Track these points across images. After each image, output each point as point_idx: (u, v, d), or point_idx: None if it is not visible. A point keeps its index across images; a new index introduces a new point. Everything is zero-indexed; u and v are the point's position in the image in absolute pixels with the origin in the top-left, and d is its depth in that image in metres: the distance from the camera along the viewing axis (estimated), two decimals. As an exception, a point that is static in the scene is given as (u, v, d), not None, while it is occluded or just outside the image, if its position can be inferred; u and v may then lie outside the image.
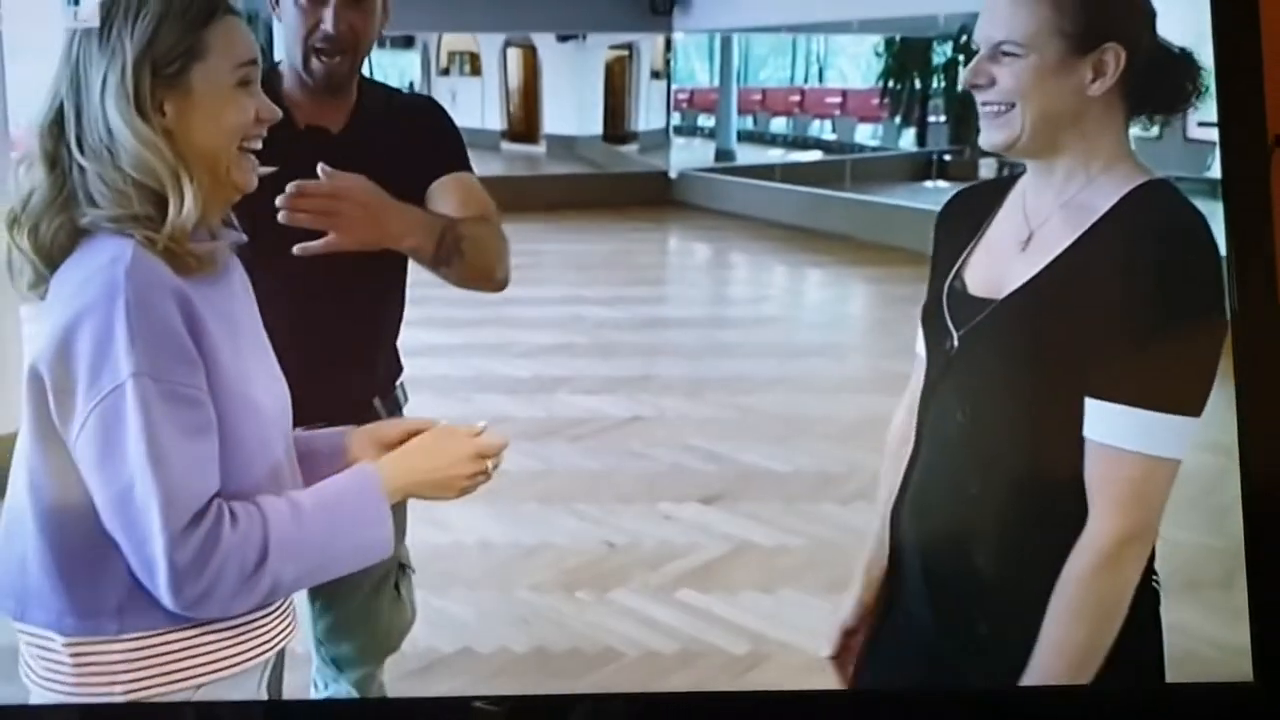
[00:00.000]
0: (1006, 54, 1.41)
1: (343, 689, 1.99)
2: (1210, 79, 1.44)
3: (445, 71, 9.23)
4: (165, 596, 1.23)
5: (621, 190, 6.64)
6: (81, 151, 1.20)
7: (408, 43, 9.57)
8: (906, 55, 7.06)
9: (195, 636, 1.30)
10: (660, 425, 3.78)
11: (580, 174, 7.01)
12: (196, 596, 1.22)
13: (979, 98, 1.44)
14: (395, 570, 1.97)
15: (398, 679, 2.24)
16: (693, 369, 4.32)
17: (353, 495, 1.31)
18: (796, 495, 3.34)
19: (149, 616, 1.26)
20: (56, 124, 1.23)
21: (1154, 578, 1.47)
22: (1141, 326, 1.34)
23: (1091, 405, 1.39)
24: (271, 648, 1.38)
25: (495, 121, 8.23)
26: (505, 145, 8.35)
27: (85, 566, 1.24)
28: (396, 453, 1.41)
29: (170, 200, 1.20)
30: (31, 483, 1.25)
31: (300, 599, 1.94)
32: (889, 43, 7.15)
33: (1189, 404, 1.36)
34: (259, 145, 1.31)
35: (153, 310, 1.17)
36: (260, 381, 1.30)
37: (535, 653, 2.66)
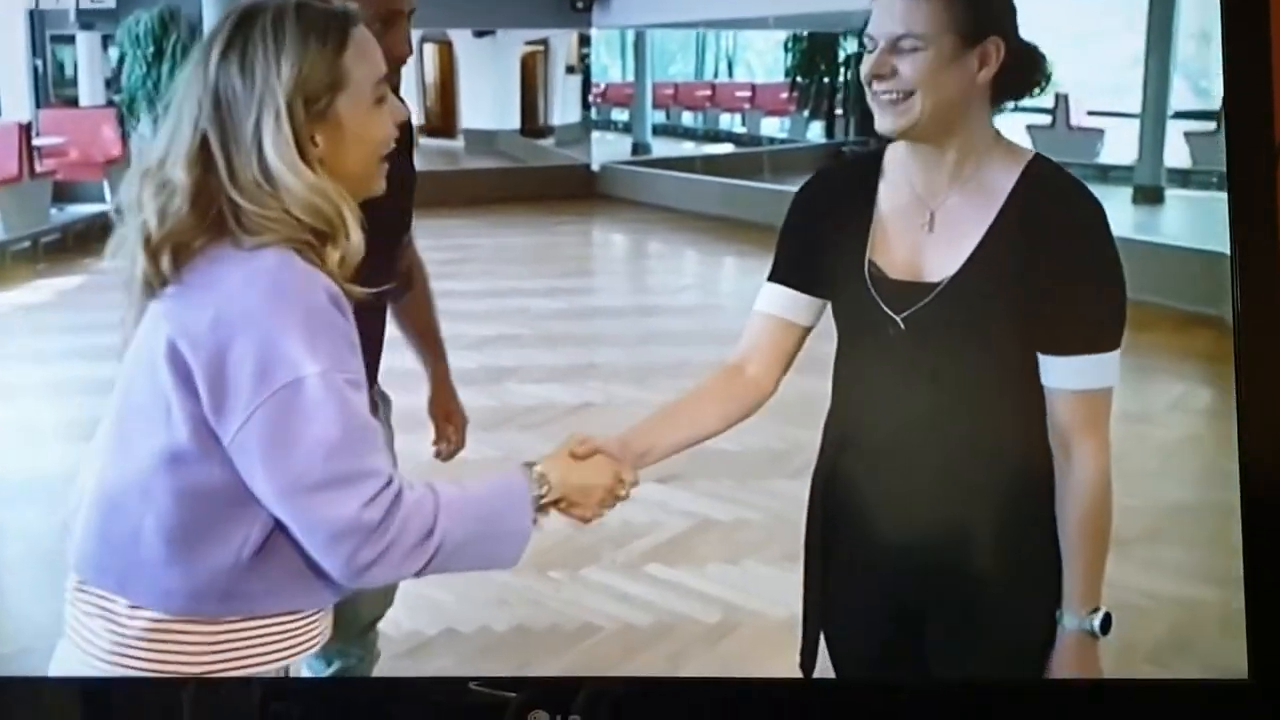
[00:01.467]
0: (906, 48, 1.50)
1: (352, 659, 2.04)
2: (1052, 70, 1.55)
3: (359, 66, 9.12)
4: (344, 559, 1.26)
5: (545, 183, 6.70)
6: (235, 186, 1.20)
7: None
8: (814, 50, 7.26)
9: (268, 625, 1.34)
10: (609, 411, 3.87)
11: (503, 168, 7.04)
12: (377, 555, 1.25)
13: (879, 87, 1.52)
14: None
15: (387, 660, 2.29)
16: (633, 356, 4.42)
17: (503, 493, 1.39)
18: (747, 472, 3.46)
19: (247, 603, 1.30)
20: (199, 160, 1.21)
21: None
22: (1077, 285, 1.50)
23: (1052, 361, 1.53)
24: (318, 642, 1.42)
25: (414, 117, 8.16)
26: (423, 140, 8.32)
27: (206, 549, 1.27)
28: (555, 459, 1.48)
29: (338, 237, 1.22)
30: (163, 465, 1.26)
31: None
32: (796, 38, 7.34)
33: (1120, 338, 1.52)
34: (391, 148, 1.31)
35: (327, 309, 1.21)
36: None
37: (516, 631, 2.74)
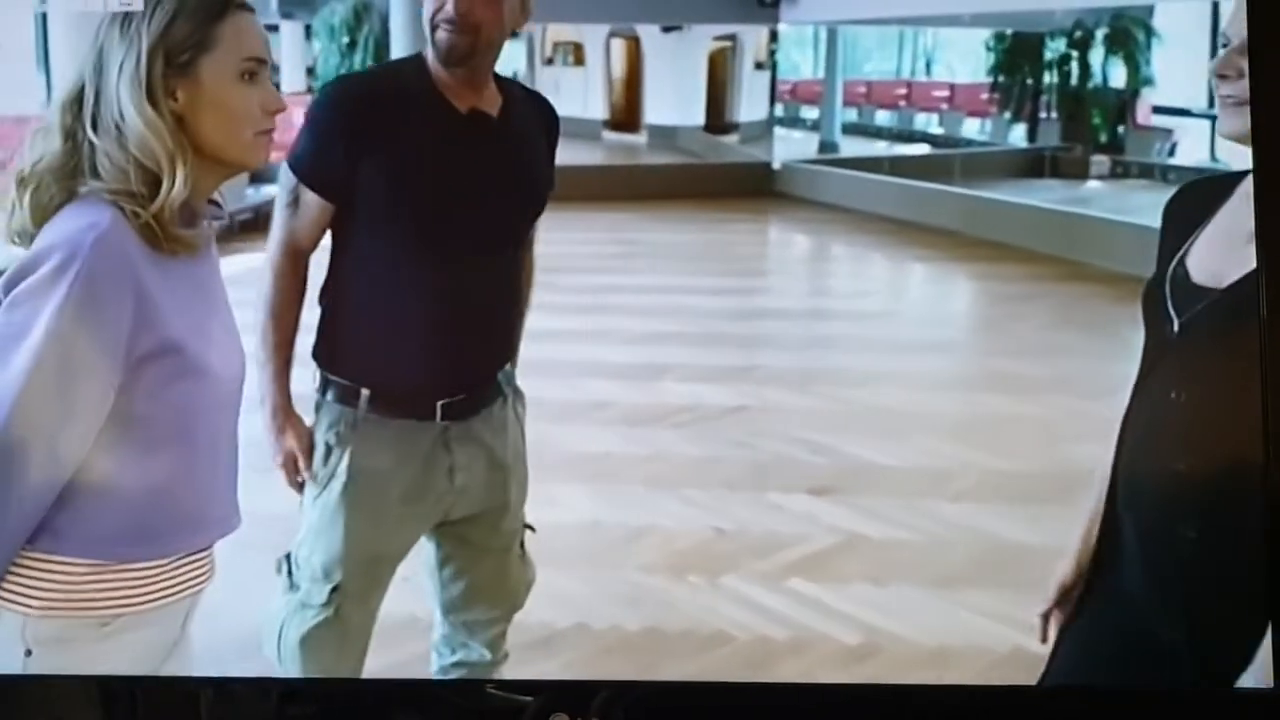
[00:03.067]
0: None
1: (474, 653, 2.06)
2: None
3: (549, 61, 9.34)
4: None
5: (723, 181, 6.67)
6: (94, 129, 1.33)
7: (512, 33, 9.72)
8: (1018, 50, 6.96)
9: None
10: (765, 415, 3.80)
11: (681, 164, 7.06)
12: None
13: (1223, 89, 1.47)
14: (521, 530, 2.03)
15: (518, 650, 2.31)
16: (797, 360, 4.33)
17: None
18: (906, 490, 3.34)
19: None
20: (76, 101, 1.35)
21: None
22: None
23: None
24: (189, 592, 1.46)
25: (597, 111, 8.31)
26: (606, 134, 8.42)
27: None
28: None
29: (164, 180, 1.32)
30: None
31: (427, 571, 2.00)
32: (999, 37, 7.05)
33: None
34: (271, 130, 1.41)
35: (98, 285, 1.29)
36: (219, 351, 1.41)
37: (647, 632, 2.71)
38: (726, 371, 4.14)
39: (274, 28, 8.14)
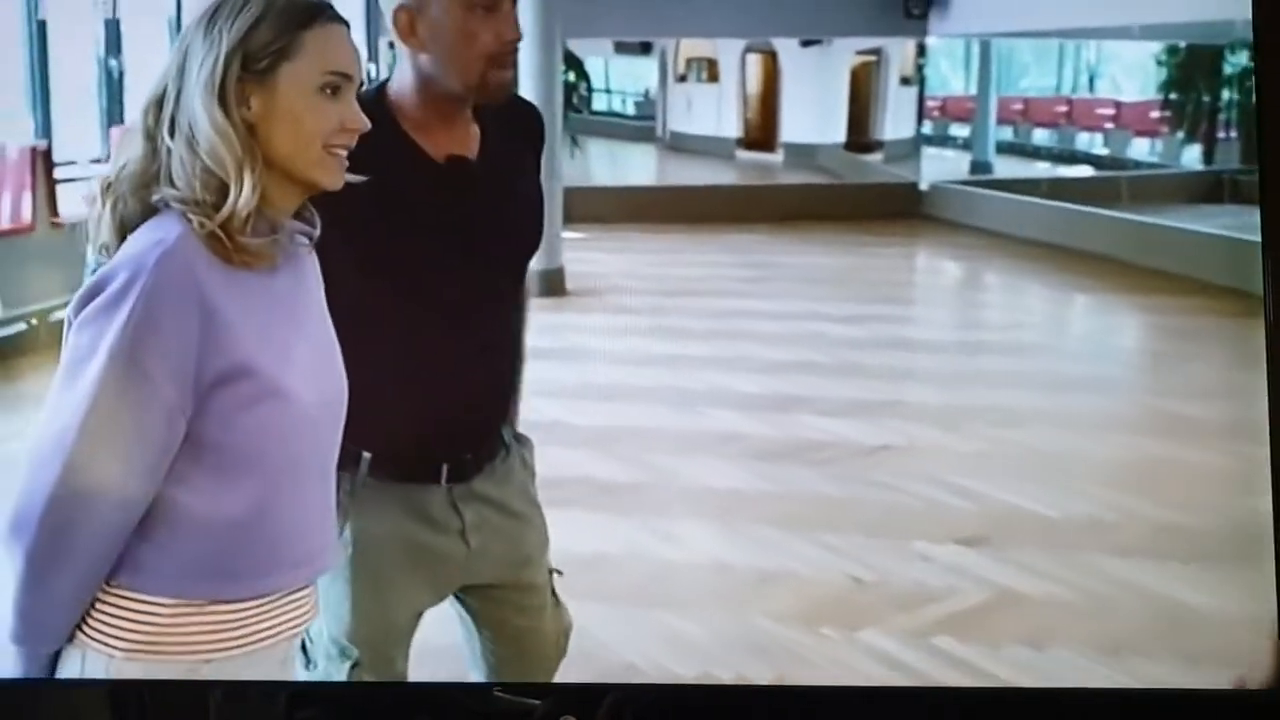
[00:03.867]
0: None
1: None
2: None
3: (682, 78, 9.32)
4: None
5: (865, 202, 6.48)
6: (171, 134, 1.31)
7: (645, 49, 9.74)
8: (1193, 64, 6.60)
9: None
10: (910, 456, 3.61)
11: (821, 184, 6.90)
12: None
13: None
14: (550, 577, 1.90)
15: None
16: (944, 396, 4.12)
17: None
18: (1064, 542, 3.12)
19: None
20: (157, 105, 1.33)
21: None
22: None
23: None
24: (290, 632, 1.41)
25: (731, 129, 8.22)
26: (741, 153, 8.32)
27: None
28: None
29: (231, 188, 1.29)
30: None
31: (464, 637, 1.89)
32: (1171, 50, 6.69)
33: None
34: (345, 149, 1.36)
35: (161, 305, 1.26)
36: (303, 373, 1.35)
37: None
38: (867, 406, 3.96)
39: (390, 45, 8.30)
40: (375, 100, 1.61)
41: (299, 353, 1.35)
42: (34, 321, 4.15)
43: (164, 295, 1.26)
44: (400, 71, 1.65)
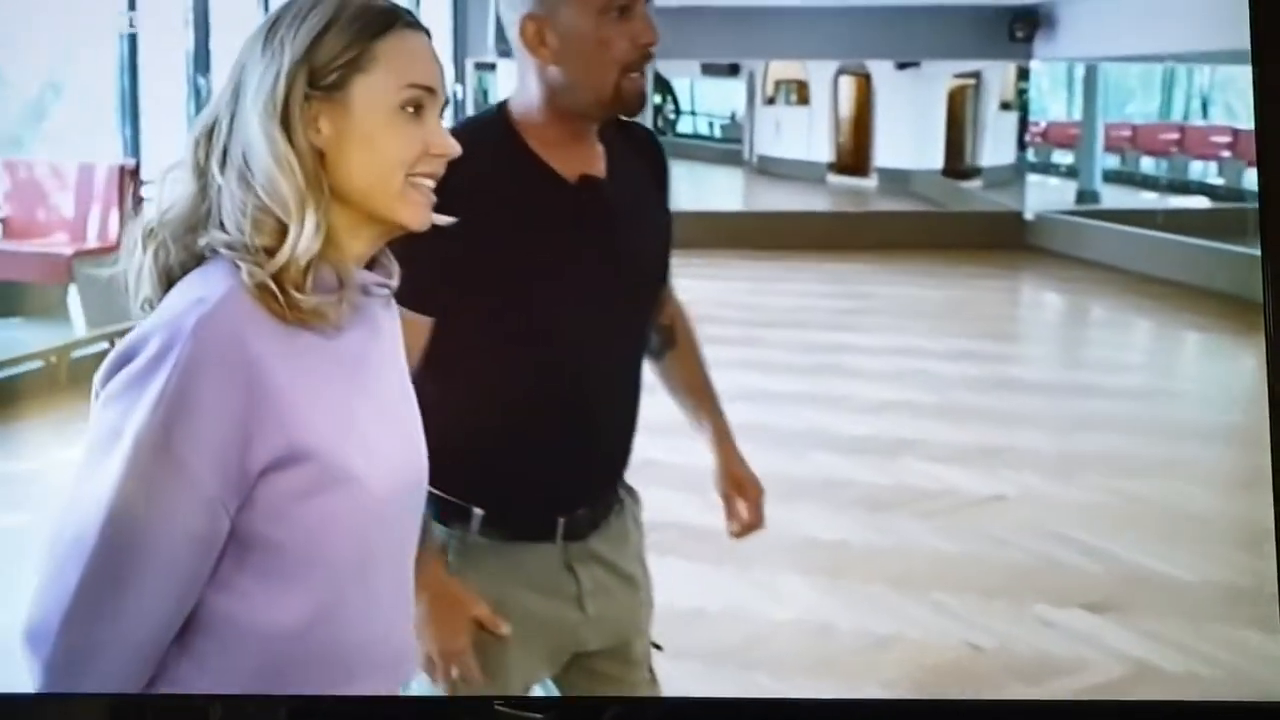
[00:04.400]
0: None
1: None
2: None
3: (770, 100, 9.17)
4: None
5: (966, 231, 6.26)
6: (223, 166, 1.11)
7: (732, 70, 9.60)
8: (1317, 90, 6.28)
9: None
10: (1026, 507, 3.40)
11: (918, 211, 6.69)
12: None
13: None
14: (650, 653, 1.75)
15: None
16: (1057, 442, 3.90)
17: None
18: (1203, 612, 2.89)
19: None
20: (208, 135, 1.13)
21: None
22: None
23: None
24: None
25: (822, 153, 8.05)
26: (832, 178, 8.14)
27: None
28: None
29: (290, 229, 1.08)
30: None
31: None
32: (1293, 75, 6.38)
33: None
34: (430, 180, 1.15)
35: (200, 380, 1.06)
36: (374, 453, 1.14)
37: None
38: (977, 452, 3.76)
39: (490, 66, 8.27)
40: (498, 119, 1.51)
41: (370, 429, 1.14)
42: (116, 341, 4.17)
43: (203, 367, 1.05)
44: (524, 86, 1.52)
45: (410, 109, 1.12)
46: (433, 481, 1.51)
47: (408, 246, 1.22)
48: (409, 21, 1.14)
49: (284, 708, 1.28)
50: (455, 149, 1.14)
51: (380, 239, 1.15)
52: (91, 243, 5.03)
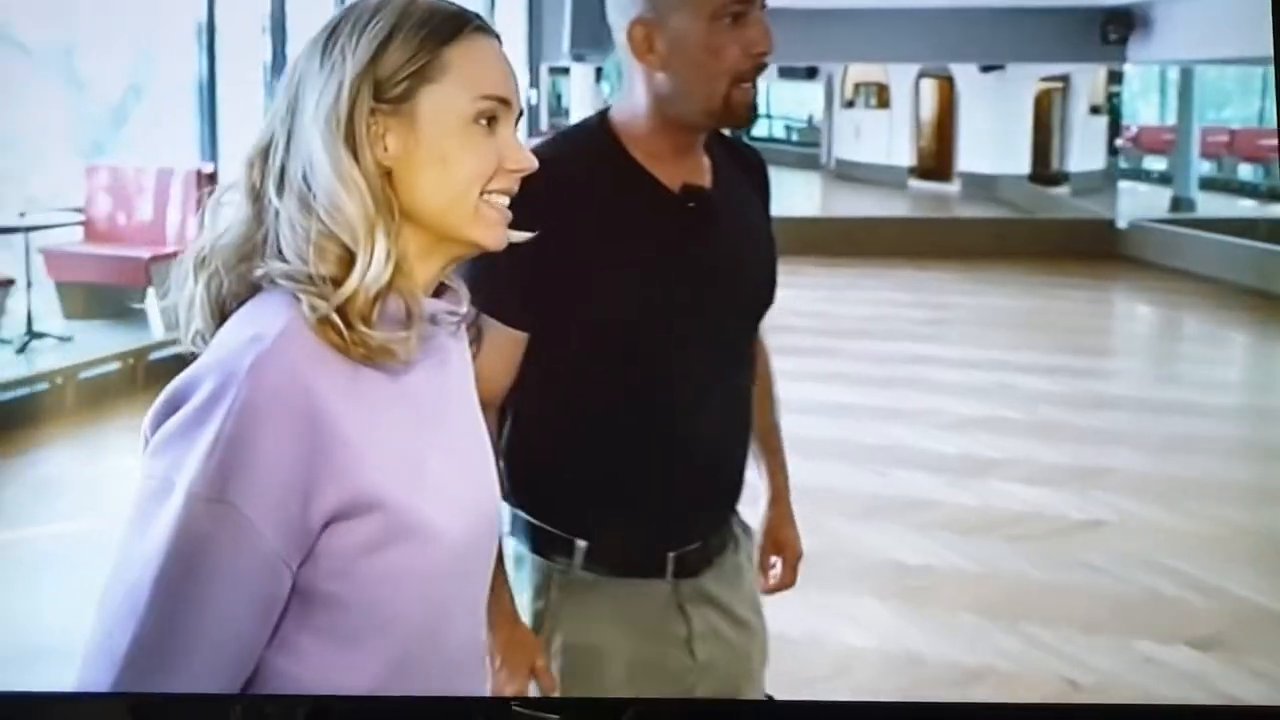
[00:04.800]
0: None
1: None
2: None
3: (850, 104, 9.00)
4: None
5: (1054, 239, 6.05)
6: (280, 189, 1.02)
7: (810, 74, 9.45)
8: None
9: None
10: (1124, 534, 3.23)
11: (1003, 218, 6.49)
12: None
13: None
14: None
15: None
16: (1154, 465, 3.71)
17: None
18: (1321, 651, 2.71)
19: None
20: (263, 155, 1.04)
21: None
22: None
23: None
24: None
25: (903, 157, 7.87)
26: (913, 183, 7.96)
27: None
28: None
29: (358, 257, 0.99)
30: None
31: None
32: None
33: None
34: (506, 197, 1.05)
35: (257, 424, 0.97)
36: (446, 499, 1.05)
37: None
38: (1070, 473, 3.59)
39: (564, 70, 8.21)
40: (599, 128, 1.43)
41: (440, 474, 1.06)
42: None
43: (260, 412, 0.97)
44: (630, 94, 1.44)
45: (483, 121, 1.03)
46: (529, 510, 1.47)
47: (502, 257, 1.13)
48: (479, 25, 1.05)
49: (302, 708, 1.25)
50: (532, 163, 1.05)
51: (452, 263, 1.06)
52: (169, 246, 5.08)
